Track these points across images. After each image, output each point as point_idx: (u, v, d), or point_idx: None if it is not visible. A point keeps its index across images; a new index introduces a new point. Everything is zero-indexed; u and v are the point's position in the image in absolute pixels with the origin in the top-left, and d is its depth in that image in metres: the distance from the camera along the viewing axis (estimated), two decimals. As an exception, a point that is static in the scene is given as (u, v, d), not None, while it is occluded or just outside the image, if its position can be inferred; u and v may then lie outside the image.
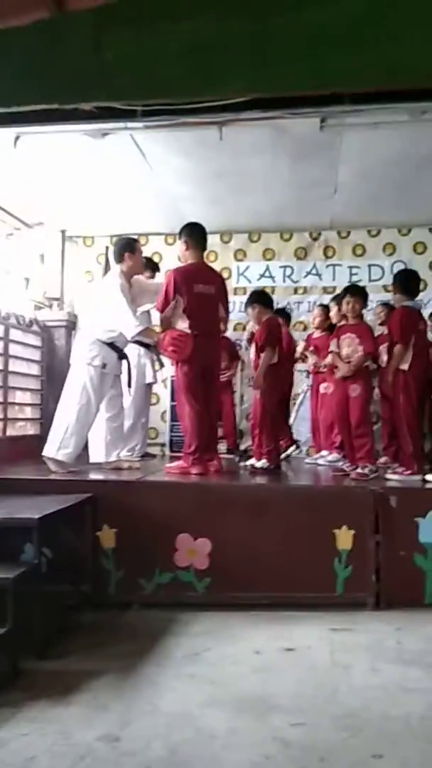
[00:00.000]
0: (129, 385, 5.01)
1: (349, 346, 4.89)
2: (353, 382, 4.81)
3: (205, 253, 6.88)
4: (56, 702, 2.68)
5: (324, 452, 5.88)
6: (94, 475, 4.48)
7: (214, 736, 2.40)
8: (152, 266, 6.01)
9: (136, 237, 5.15)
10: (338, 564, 3.86)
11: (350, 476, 4.64)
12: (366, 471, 4.55)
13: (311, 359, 6.13)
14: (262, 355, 5.03)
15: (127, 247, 4.90)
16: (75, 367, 4.79)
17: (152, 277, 5.81)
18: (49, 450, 4.66)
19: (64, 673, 3.00)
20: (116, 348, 4.79)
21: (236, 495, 4.16)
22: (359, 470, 4.60)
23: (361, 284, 6.60)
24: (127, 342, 4.90)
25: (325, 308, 6.15)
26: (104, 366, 4.69)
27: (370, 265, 6.76)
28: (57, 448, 4.62)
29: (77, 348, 4.91)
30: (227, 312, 4.98)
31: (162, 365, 6.09)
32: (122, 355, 4.88)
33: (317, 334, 6.21)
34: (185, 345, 4.56)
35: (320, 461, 5.82)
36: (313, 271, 6.88)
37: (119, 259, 4.86)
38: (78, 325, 6.84)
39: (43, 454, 4.68)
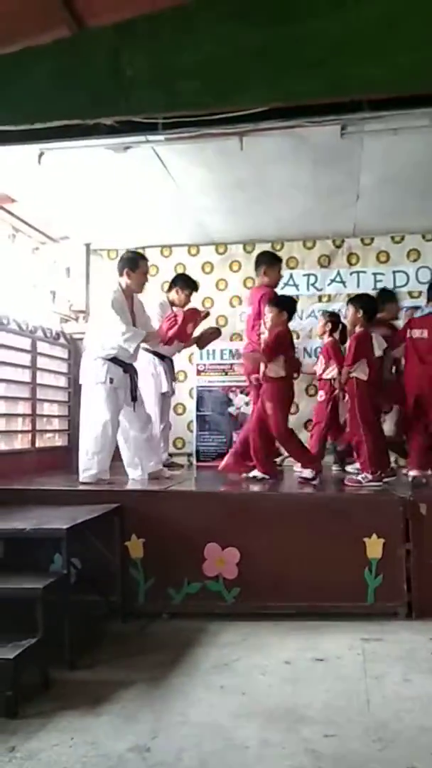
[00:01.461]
0: (134, 399, 4.88)
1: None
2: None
3: (228, 264, 6.99)
4: (86, 712, 2.69)
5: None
6: (121, 486, 4.50)
7: (246, 747, 2.38)
8: (191, 285, 5.89)
9: (144, 255, 5.08)
10: (368, 573, 3.81)
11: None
12: (359, 478, 4.55)
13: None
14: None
15: (128, 263, 4.87)
16: (85, 388, 4.81)
17: (189, 296, 5.78)
18: (80, 474, 4.69)
19: (94, 683, 3.01)
20: (120, 362, 4.75)
21: (264, 504, 4.15)
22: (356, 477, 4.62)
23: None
24: (132, 355, 4.82)
25: (331, 315, 6.09)
26: (112, 381, 4.67)
27: (394, 272, 6.70)
28: (82, 470, 4.66)
29: (84, 368, 4.89)
30: None
31: (174, 379, 6.08)
32: (127, 369, 4.83)
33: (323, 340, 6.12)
34: (177, 320, 4.66)
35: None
36: (337, 279, 6.84)
37: (120, 272, 4.88)
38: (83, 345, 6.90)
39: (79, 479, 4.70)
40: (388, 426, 5.67)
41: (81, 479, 4.62)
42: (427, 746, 2.37)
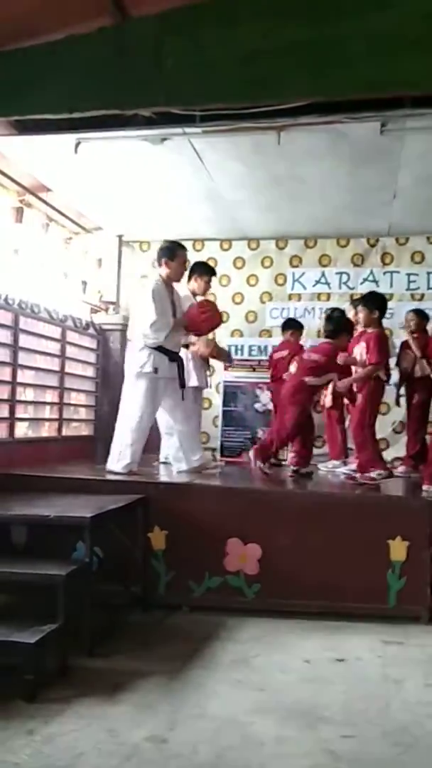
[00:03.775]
0: (182, 386, 4.91)
1: (361, 355, 5.04)
2: (358, 391, 4.91)
3: (260, 259, 6.95)
4: (104, 700, 2.70)
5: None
6: (146, 477, 4.51)
7: (262, 743, 2.37)
8: (208, 271, 5.70)
9: (182, 244, 5.00)
10: (391, 575, 3.77)
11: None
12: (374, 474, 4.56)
13: None
14: None
15: (166, 252, 4.82)
16: (128, 376, 4.80)
17: (208, 283, 5.65)
18: (110, 464, 4.68)
19: (112, 671, 3.02)
20: (166, 351, 4.72)
21: (288, 502, 4.13)
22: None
23: (419, 292, 6.56)
24: (178, 344, 4.83)
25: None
26: (156, 371, 4.64)
27: (429, 273, 6.61)
28: (116, 459, 4.63)
29: (128, 357, 4.91)
30: None
31: (212, 370, 6.06)
32: (173, 358, 4.82)
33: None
34: (210, 309, 4.64)
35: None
36: (370, 278, 6.76)
37: (158, 262, 4.85)
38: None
39: (107, 467, 4.69)
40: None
41: (113, 469, 4.60)
42: (447, 753, 2.34)
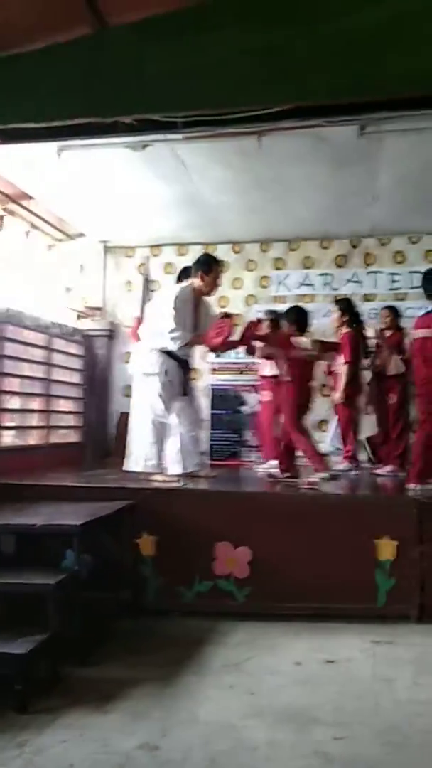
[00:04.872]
0: (185, 394, 4.92)
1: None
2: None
3: (244, 262, 6.99)
4: (95, 709, 2.69)
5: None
6: (134, 483, 4.51)
7: (255, 747, 2.38)
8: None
9: (220, 260, 4.99)
10: (380, 575, 3.79)
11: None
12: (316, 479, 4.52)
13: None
14: None
15: (203, 266, 4.80)
16: (138, 379, 4.79)
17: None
18: (135, 464, 4.65)
19: (103, 680, 3.01)
20: (175, 356, 4.74)
21: (276, 504, 4.14)
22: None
23: (401, 291, 6.61)
24: (188, 354, 4.86)
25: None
26: (167, 373, 4.67)
27: (411, 272, 6.66)
28: (143, 460, 4.62)
29: (137, 359, 4.88)
30: None
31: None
32: (182, 364, 4.84)
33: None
34: (225, 326, 4.66)
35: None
36: (354, 279, 6.82)
37: (194, 274, 4.82)
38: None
39: (125, 469, 4.67)
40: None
41: (145, 469, 4.59)
42: (437, 751, 2.36)
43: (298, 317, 5.16)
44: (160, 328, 4.65)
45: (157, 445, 4.64)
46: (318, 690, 2.89)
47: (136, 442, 4.71)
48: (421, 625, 3.69)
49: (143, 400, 4.70)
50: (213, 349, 5.00)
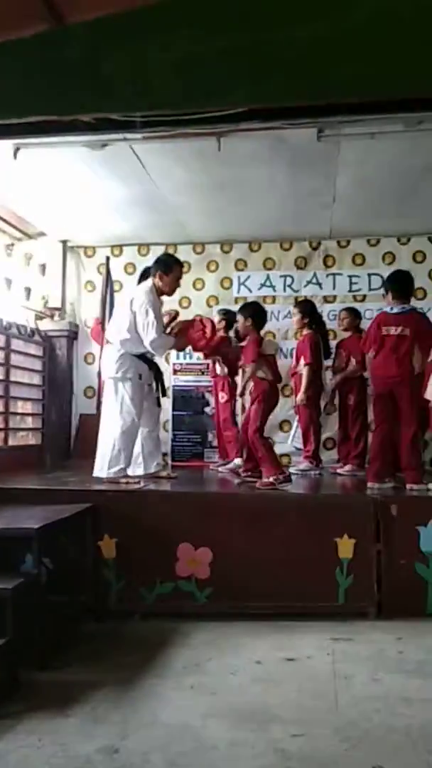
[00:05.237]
0: (164, 395, 4.93)
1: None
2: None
3: (206, 263, 7.00)
4: (55, 713, 2.67)
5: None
6: (95, 486, 4.48)
7: (214, 747, 2.39)
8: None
9: (179, 259, 4.98)
10: (340, 573, 3.84)
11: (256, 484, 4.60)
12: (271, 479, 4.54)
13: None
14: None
15: (162, 266, 4.79)
16: (109, 383, 4.72)
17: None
18: (100, 470, 4.59)
19: (64, 684, 2.99)
20: (146, 360, 4.73)
21: (237, 504, 4.17)
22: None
23: (361, 293, 6.70)
24: (161, 355, 4.86)
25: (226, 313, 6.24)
26: (140, 377, 4.65)
27: (369, 274, 6.75)
28: (108, 466, 4.55)
29: (107, 363, 4.82)
30: None
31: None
32: (151, 365, 4.83)
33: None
34: (208, 328, 4.71)
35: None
36: (314, 281, 6.87)
37: (153, 273, 4.79)
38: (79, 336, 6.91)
39: (94, 475, 4.61)
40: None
41: (108, 475, 4.52)
42: (394, 745, 2.40)
43: (255, 313, 5.16)
44: (131, 332, 4.61)
45: (124, 452, 4.59)
46: (278, 688, 2.91)
47: (103, 448, 4.66)
48: (379, 622, 3.76)
49: (116, 404, 4.63)
50: (201, 351, 4.99)
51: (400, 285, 4.81)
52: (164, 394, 4.98)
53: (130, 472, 4.74)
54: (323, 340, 6.02)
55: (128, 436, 4.62)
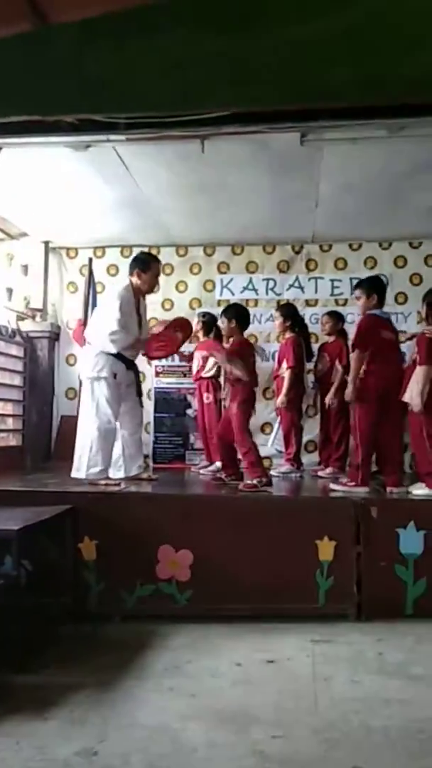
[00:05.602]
0: (139, 395, 4.91)
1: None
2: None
3: (189, 266, 7.01)
4: (33, 716, 2.65)
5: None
6: (75, 487, 4.45)
7: (193, 749, 2.39)
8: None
9: (156, 257, 4.94)
10: (320, 575, 3.86)
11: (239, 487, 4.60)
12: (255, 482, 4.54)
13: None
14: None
15: (140, 264, 4.78)
16: (86, 383, 4.69)
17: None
18: (77, 471, 4.55)
19: (42, 686, 2.97)
20: (123, 358, 4.68)
21: (218, 506, 4.17)
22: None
23: (342, 297, 6.74)
24: (136, 355, 4.81)
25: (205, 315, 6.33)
26: (115, 376, 4.60)
27: (351, 279, 6.77)
28: (86, 468, 4.51)
29: (84, 363, 4.79)
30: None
31: (143, 376, 6.04)
32: (130, 365, 4.79)
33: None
34: (170, 342, 4.66)
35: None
36: (296, 284, 6.90)
37: (131, 272, 4.78)
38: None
39: (72, 476, 4.56)
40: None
41: (87, 476, 4.48)
42: (373, 746, 2.41)
43: (238, 314, 5.16)
44: (104, 332, 4.60)
45: (102, 453, 4.55)
46: (258, 690, 2.92)
47: (80, 449, 4.62)
48: (359, 624, 3.78)
49: (92, 405, 4.60)
50: (150, 358, 4.98)
51: (384, 291, 4.86)
52: (139, 395, 4.94)
53: (111, 474, 4.71)
54: (305, 343, 6.05)
55: (105, 437, 4.58)
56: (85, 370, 4.72)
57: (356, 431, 4.59)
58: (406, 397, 4.39)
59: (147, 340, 4.85)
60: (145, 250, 6.87)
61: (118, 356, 4.64)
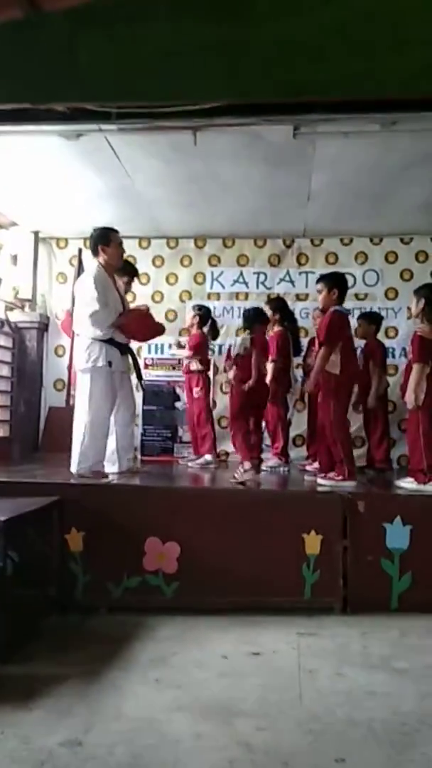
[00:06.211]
0: (140, 378, 4.86)
1: None
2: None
3: (179, 258, 6.99)
4: (18, 707, 2.65)
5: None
6: (62, 478, 4.44)
7: (178, 741, 2.39)
8: (130, 272, 5.55)
9: (113, 227, 4.75)
10: (306, 569, 3.87)
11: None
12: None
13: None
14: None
15: (101, 239, 4.63)
16: (80, 375, 4.60)
17: (129, 283, 5.50)
18: (72, 465, 4.49)
19: (28, 677, 2.96)
20: (116, 344, 4.58)
21: (205, 499, 4.17)
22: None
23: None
24: (124, 336, 4.70)
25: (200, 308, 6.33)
26: (110, 364, 4.50)
27: (342, 274, 6.80)
28: (77, 461, 4.44)
29: (77, 354, 4.70)
30: None
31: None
32: (125, 351, 4.71)
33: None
34: (146, 322, 4.68)
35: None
36: (286, 278, 6.92)
37: (95, 252, 4.67)
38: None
39: (71, 470, 4.51)
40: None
41: (78, 470, 4.42)
42: (356, 738, 2.43)
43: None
44: (85, 317, 4.50)
45: (95, 446, 4.49)
46: (243, 682, 2.92)
47: (75, 443, 4.53)
48: (344, 617, 3.79)
49: (87, 397, 4.50)
50: (129, 336, 4.89)
51: (346, 287, 4.85)
52: (140, 378, 4.89)
53: (106, 468, 4.67)
54: (293, 337, 6.05)
55: (98, 430, 4.51)
56: (80, 362, 4.60)
57: (332, 427, 4.57)
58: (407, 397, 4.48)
59: (127, 323, 4.69)
60: (135, 242, 6.90)
61: (110, 342, 4.53)
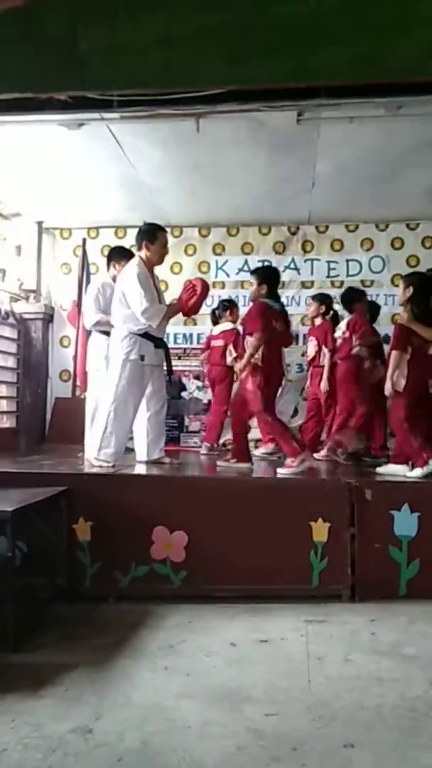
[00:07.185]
0: (170, 373, 4.88)
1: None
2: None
3: (183, 247, 6.96)
4: (28, 695, 2.66)
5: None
6: (69, 468, 4.45)
7: (188, 727, 2.40)
8: (127, 256, 5.38)
9: (162, 226, 4.80)
10: (314, 556, 3.87)
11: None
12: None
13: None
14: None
15: (147, 235, 4.66)
16: (112, 364, 4.63)
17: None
18: (91, 452, 4.54)
19: (37, 666, 2.98)
20: (151, 338, 4.61)
21: (213, 488, 4.17)
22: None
23: (338, 279, 6.72)
24: (164, 330, 4.74)
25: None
26: (142, 358, 4.54)
27: (348, 260, 6.79)
28: (98, 448, 4.48)
29: (112, 345, 4.71)
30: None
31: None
32: (159, 344, 4.73)
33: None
34: (191, 287, 4.63)
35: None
36: (292, 266, 6.89)
37: (139, 246, 4.69)
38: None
39: (86, 458, 4.54)
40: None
41: (98, 457, 4.46)
42: (365, 724, 2.43)
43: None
44: (129, 312, 4.52)
45: (116, 434, 4.52)
46: (251, 669, 2.94)
47: (96, 431, 4.58)
48: (353, 604, 3.80)
49: (114, 387, 4.52)
50: (188, 313, 4.89)
51: (277, 282, 4.90)
52: (171, 373, 4.91)
53: (137, 458, 4.74)
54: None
55: (122, 420, 4.54)
56: (114, 352, 4.62)
57: (263, 413, 4.69)
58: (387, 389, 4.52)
59: (176, 301, 4.74)
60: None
61: (146, 336, 4.57)
